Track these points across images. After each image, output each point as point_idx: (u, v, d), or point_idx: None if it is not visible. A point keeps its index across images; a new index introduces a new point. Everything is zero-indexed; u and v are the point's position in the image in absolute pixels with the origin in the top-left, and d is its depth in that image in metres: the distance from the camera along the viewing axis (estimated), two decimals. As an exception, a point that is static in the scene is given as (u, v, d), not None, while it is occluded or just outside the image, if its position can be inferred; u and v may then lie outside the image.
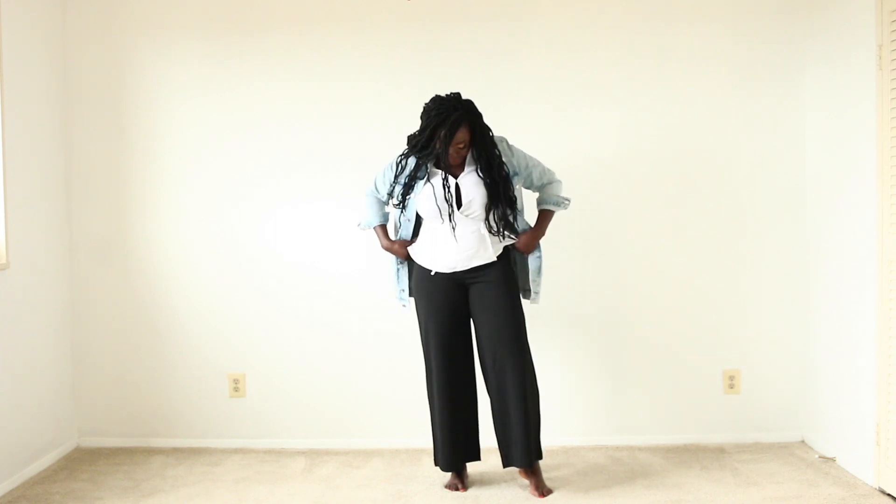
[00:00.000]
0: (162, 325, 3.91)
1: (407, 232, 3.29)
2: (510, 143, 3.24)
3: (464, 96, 3.17)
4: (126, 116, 3.88)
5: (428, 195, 3.15)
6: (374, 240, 3.56)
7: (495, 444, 3.29)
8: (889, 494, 3.15)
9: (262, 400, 3.90)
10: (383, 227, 3.38)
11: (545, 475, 3.34)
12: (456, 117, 3.03)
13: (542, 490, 3.20)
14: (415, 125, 3.21)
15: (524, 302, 3.27)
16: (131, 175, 3.89)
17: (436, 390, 3.24)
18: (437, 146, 3.07)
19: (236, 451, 3.85)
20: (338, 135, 3.84)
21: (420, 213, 3.22)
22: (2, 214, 3.35)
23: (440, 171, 3.16)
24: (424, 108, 3.14)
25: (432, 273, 3.20)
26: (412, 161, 3.19)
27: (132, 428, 3.93)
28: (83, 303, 3.92)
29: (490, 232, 3.15)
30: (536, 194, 3.36)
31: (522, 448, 3.15)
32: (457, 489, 3.27)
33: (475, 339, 3.28)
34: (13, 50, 3.43)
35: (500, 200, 3.13)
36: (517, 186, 3.21)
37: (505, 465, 3.24)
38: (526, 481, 3.29)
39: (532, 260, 3.26)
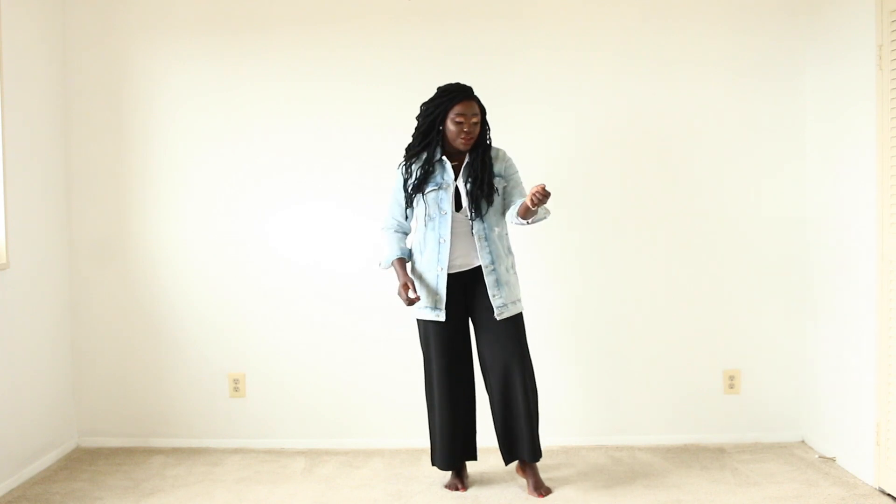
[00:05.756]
0: (162, 325, 3.91)
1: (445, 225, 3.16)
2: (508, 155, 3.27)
3: None
4: (126, 116, 3.88)
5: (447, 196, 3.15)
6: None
7: (494, 444, 3.29)
8: (889, 494, 3.15)
9: (262, 400, 3.90)
10: (402, 261, 3.23)
11: (545, 475, 3.34)
12: (463, 88, 3.12)
13: (542, 490, 3.20)
14: (414, 125, 3.24)
15: (521, 304, 3.26)
16: (131, 175, 3.89)
17: (436, 390, 3.24)
18: (439, 126, 3.12)
19: (236, 451, 3.85)
20: (338, 134, 3.84)
21: (432, 214, 3.18)
22: (2, 214, 3.35)
23: (453, 174, 3.17)
24: (422, 106, 3.20)
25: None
26: (416, 168, 3.19)
27: (132, 428, 3.92)
28: (83, 303, 3.92)
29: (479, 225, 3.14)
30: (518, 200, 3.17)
31: (529, 442, 3.16)
32: (457, 489, 3.27)
33: (474, 338, 3.28)
34: (13, 50, 3.43)
35: (483, 199, 3.13)
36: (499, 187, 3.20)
37: (507, 461, 3.24)
38: (524, 480, 3.29)
39: (487, 273, 3.15)
